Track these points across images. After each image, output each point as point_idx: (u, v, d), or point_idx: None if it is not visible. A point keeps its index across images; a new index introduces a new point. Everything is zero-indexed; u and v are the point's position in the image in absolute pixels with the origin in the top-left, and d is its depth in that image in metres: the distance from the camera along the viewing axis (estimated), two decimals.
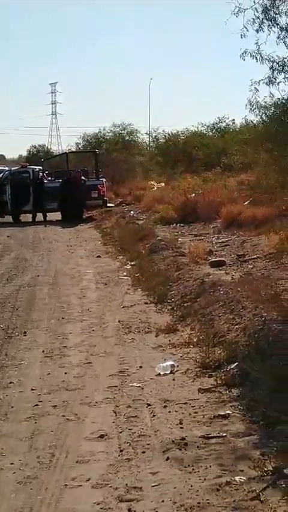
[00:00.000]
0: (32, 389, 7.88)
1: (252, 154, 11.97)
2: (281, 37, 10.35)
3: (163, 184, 35.28)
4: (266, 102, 10.64)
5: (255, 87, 10.42)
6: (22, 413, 7.15)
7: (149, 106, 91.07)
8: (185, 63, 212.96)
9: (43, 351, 9.49)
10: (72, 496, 5.27)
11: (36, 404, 7.38)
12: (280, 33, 10.33)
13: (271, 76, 10.32)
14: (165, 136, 45.59)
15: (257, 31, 10.36)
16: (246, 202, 20.22)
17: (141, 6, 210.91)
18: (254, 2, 10.25)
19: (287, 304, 9.63)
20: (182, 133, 45.19)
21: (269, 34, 10.38)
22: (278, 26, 10.31)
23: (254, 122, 11.00)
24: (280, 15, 10.25)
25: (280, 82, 10.37)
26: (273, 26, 10.29)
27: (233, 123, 43.86)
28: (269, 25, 10.27)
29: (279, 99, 10.51)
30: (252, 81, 10.42)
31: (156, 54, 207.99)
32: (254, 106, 10.55)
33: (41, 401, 7.47)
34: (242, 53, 10.48)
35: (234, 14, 10.42)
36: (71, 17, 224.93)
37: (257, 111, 10.60)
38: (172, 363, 8.39)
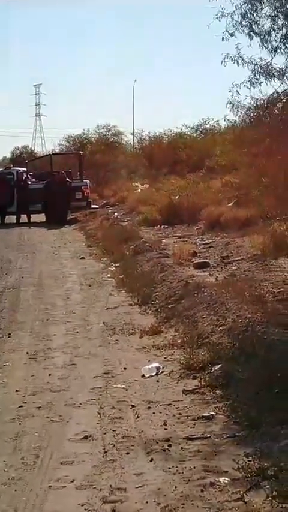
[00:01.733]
0: (17, 391, 7.86)
1: (236, 156, 11.99)
2: (261, 42, 10.44)
3: (147, 186, 35.29)
4: (249, 103, 10.68)
5: (236, 90, 10.47)
6: (6, 415, 7.13)
7: (133, 107, 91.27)
8: (169, 64, 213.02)
9: (27, 353, 9.47)
10: (57, 498, 5.27)
11: (21, 406, 7.36)
12: (257, 38, 10.42)
13: (253, 78, 10.37)
14: (149, 138, 45.64)
15: (231, 35, 10.44)
16: (230, 204, 20.27)
17: (125, 7, 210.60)
18: (236, 8, 10.31)
19: (270, 306, 9.67)
20: (166, 135, 45.25)
21: (250, 39, 10.45)
22: (254, 32, 10.39)
23: (235, 122, 10.98)
24: (257, 24, 10.32)
25: (262, 83, 10.43)
26: (252, 32, 10.37)
27: (218, 124, 43.87)
28: (249, 30, 10.35)
29: (258, 99, 10.55)
30: (233, 84, 10.46)
31: (140, 56, 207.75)
32: (236, 106, 10.59)
33: (26, 402, 7.46)
34: (224, 58, 10.53)
35: (217, 18, 10.47)
36: (56, 18, 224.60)
37: (238, 111, 10.64)
38: (158, 364, 8.41)
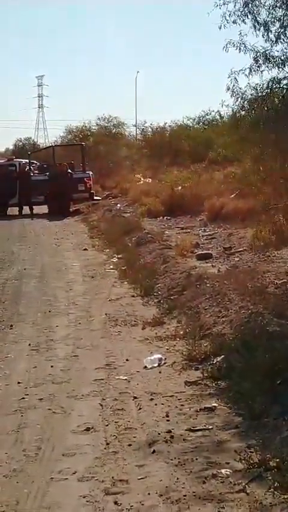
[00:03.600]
0: (19, 383, 7.87)
1: (236, 145, 11.94)
2: (259, 30, 10.41)
3: (150, 179, 35.22)
4: (248, 89, 10.63)
5: (235, 77, 10.42)
6: (8, 407, 7.14)
7: (135, 99, 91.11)
8: (171, 55, 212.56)
9: (29, 344, 9.48)
10: (59, 489, 5.27)
11: (23, 398, 7.37)
12: (258, 27, 10.38)
13: (254, 65, 10.34)
14: (151, 129, 45.58)
15: (234, 22, 10.40)
16: (232, 195, 20.23)
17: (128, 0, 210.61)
18: None
19: (273, 297, 9.64)
20: (169, 126, 45.21)
21: (253, 28, 10.42)
22: (256, 20, 10.36)
23: (234, 110, 10.91)
24: (258, 13, 10.29)
25: (264, 71, 10.41)
26: (253, 20, 10.35)
27: (219, 115, 43.75)
28: (251, 18, 10.33)
29: (258, 85, 10.50)
30: (232, 71, 10.42)
31: (143, 47, 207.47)
32: (235, 93, 10.54)
33: (28, 394, 7.47)
34: (226, 44, 10.48)
35: (218, 6, 10.43)
36: (58, 11, 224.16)
37: (237, 99, 10.60)
38: (160, 356, 8.40)
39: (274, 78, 10.41)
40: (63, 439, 6.21)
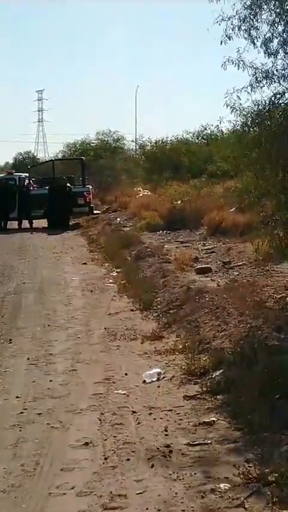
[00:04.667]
0: (17, 397, 7.85)
1: (236, 160, 11.94)
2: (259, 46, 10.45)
3: (149, 192, 35.28)
4: (249, 106, 10.64)
5: (237, 95, 10.44)
6: (7, 421, 7.13)
7: (135, 113, 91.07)
8: (171, 70, 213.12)
9: (28, 359, 9.46)
10: (57, 504, 5.26)
11: (21, 412, 7.35)
12: (257, 42, 10.43)
13: (254, 82, 10.37)
14: (151, 143, 45.74)
15: (229, 38, 10.42)
16: (232, 209, 20.26)
17: (127, 14, 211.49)
18: (236, 12, 10.29)
19: (272, 311, 9.64)
20: (169, 141, 45.36)
21: (251, 44, 10.45)
22: (256, 35, 10.41)
23: (234, 126, 10.92)
24: (257, 28, 10.32)
25: (263, 87, 10.42)
26: (251, 36, 10.38)
27: (218, 129, 43.91)
28: (248, 35, 10.36)
29: (259, 101, 10.52)
30: (234, 89, 10.44)
31: (143, 62, 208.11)
32: (236, 110, 10.56)
33: (26, 409, 7.45)
34: (225, 62, 10.50)
35: (217, 22, 10.47)
36: (58, 25, 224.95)
37: (238, 115, 10.61)
38: (159, 370, 8.40)
39: (275, 93, 10.43)
40: (61, 454, 6.19)
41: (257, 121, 10.55)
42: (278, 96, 10.43)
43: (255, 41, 10.42)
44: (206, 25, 10.81)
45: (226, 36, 10.43)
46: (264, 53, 10.50)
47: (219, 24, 10.43)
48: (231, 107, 10.43)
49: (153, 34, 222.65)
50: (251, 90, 10.37)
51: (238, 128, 10.89)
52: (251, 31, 10.31)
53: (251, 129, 10.66)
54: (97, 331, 10.86)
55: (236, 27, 10.34)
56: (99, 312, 12.25)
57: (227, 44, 10.51)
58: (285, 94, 10.48)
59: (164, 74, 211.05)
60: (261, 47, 10.44)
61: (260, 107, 10.49)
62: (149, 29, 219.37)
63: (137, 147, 51.51)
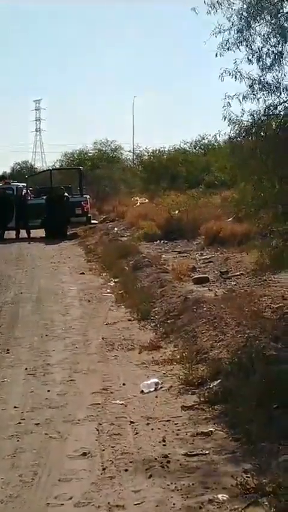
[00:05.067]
0: (15, 407, 7.85)
1: (233, 170, 11.98)
2: (253, 57, 10.50)
3: (146, 200, 35.34)
4: (243, 116, 10.69)
5: (228, 102, 10.48)
6: (5, 431, 7.12)
7: (133, 123, 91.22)
8: (169, 80, 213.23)
9: (26, 369, 9.46)
10: None
11: (19, 422, 7.35)
12: (252, 54, 10.47)
13: (250, 93, 10.41)
14: (148, 153, 45.83)
15: (228, 49, 10.48)
16: (229, 219, 20.29)
17: (126, 23, 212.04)
18: (232, 24, 10.35)
19: (269, 321, 9.66)
20: (166, 151, 45.46)
21: (247, 55, 10.51)
22: (250, 47, 10.46)
23: (231, 137, 10.95)
24: (253, 40, 10.38)
25: (260, 98, 10.47)
26: (246, 47, 10.44)
27: (215, 139, 44.04)
28: (245, 46, 10.42)
29: (255, 111, 10.57)
30: (226, 95, 10.48)
31: (141, 71, 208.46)
32: (232, 121, 10.59)
33: (24, 419, 7.45)
34: (222, 73, 10.54)
35: (214, 34, 10.52)
36: (54, 35, 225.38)
37: (234, 126, 10.64)
38: (156, 380, 8.40)
39: (271, 104, 10.48)
40: (59, 464, 6.19)
41: (252, 131, 10.59)
42: (272, 107, 10.49)
43: (250, 56, 10.50)
44: (204, 36, 10.87)
45: (223, 48, 10.48)
46: (257, 63, 10.55)
47: (216, 37, 10.50)
48: (228, 119, 10.48)
49: (151, 44, 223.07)
50: (245, 99, 10.42)
51: (234, 138, 10.92)
52: (246, 43, 10.38)
53: (247, 139, 10.70)
54: (95, 341, 10.86)
55: (233, 38, 10.40)
56: (97, 322, 12.26)
57: (224, 56, 10.58)
58: (279, 106, 10.54)
59: (162, 84, 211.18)
60: (256, 59, 10.50)
61: (255, 118, 10.54)
62: (147, 39, 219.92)
63: (134, 156, 51.65)
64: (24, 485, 5.79)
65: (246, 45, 10.40)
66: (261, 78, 10.41)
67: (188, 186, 35.34)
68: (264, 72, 10.45)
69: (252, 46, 10.40)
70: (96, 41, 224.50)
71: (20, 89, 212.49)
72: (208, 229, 20.51)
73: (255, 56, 10.45)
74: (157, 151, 45.16)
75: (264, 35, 10.33)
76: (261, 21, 10.25)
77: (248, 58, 10.47)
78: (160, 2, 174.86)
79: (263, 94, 10.41)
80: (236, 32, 10.35)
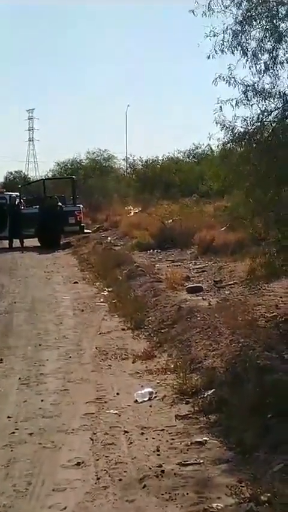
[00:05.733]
0: (9, 417, 7.82)
1: (227, 177, 11.97)
2: (249, 62, 10.51)
3: (139, 209, 35.39)
4: (236, 121, 10.69)
5: (220, 106, 10.48)
6: None
7: (126, 132, 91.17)
8: (162, 88, 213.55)
9: (20, 378, 9.43)
10: None
11: (13, 432, 7.32)
12: (247, 58, 10.48)
13: (244, 98, 10.42)
14: (142, 162, 45.90)
15: (222, 51, 10.48)
16: (223, 229, 20.30)
17: (118, 32, 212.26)
18: (227, 28, 10.36)
19: (263, 330, 9.65)
20: (160, 160, 45.54)
21: (240, 59, 10.52)
22: (246, 51, 10.46)
23: (224, 143, 10.96)
24: (248, 44, 10.39)
25: (253, 104, 10.48)
26: (242, 51, 10.44)
27: (210, 149, 44.10)
28: (240, 50, 10.42)
29: (248, 117, 10.58)
30: (218, 100, 10.48)
31: (133, 80, 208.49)
32: (226, 127, 10.59)
33: (18, 428, 7.42)
34: (216, 78, 10.53)
35: (209, 37, 10.51)
36: (47, 43, 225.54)
37: (227, 131, 10.65)
38: (150, 389, 8.39)
39: (264, 110, 10.48)
40: (53, 474, 6.17)
41: (245, 138, 10.60)
42: (266, 113, 10.50)
43: (244, 61, 10.50)
44: (197, 41, 10.88)
45: (218, 50, 10.48)
46: (250, 68, 10.56)
47: (210, 40, 10.50)
48: (220, 124, 10.48)
49: (144, 52, 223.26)
50: (238, 105, 10.43)
51: (226, 144, 10.92)
52: (242, 46, 10.38)
53: (240, 145, 10.71)
54: (88, 350, 10.84)
55: (227, 42, 10.40)
56: (91, 331, 12.24)
57: (217, 59, 10.56)
58: (273, 112, 10.54)
59: (155, 92, 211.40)
60: (251, 64, 10.51)
61: (248, 123, 10.55)
62: (140, 46, 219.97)
63: (128, 165, 51.71)
64: (18, 495, 5.77)
65: (241, 50, 10.40)
66: (255, 84, 10.42)
67: (182, 195, 35.37)
68: (258, 77, 10.46)
69: (247, 51, 10.40)
70: (89, 49, 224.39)
71: (13, 98, 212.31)
72: (201, 239, 20.54)
73: (249, 61, 10.45)
74: (151, 161, 45.23)
75: (259, 39, 10.33)
76: (257, 25, 10.26)
77: (243, 62, 10.47)
78: (153, 9, 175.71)
79: (257, 100, 10.41)
80: (230, 35, 10.35)
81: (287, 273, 12.02)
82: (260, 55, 10.44)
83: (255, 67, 10.49)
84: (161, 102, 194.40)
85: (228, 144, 10.83)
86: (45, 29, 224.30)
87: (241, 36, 10.37)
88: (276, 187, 10.33)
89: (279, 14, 10.14)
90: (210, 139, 11.41)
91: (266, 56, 10.43)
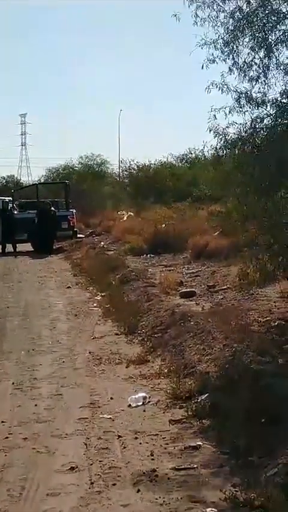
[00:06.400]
0: (2, 422, 7.81)
1: (221, 184, 12.02)
2: (241, 70, 10.55)
3: (132, 214, 35.40)
4: (231, 130, 10.73)
5: (214, 115, 10.52)
6: None
7: (118, 137, 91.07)
8: (154, 94, 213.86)
9: (13, 383, 9.43)
10: None
11: (7, 437, 7.31)
12: (238, 67, 10.53)
13: (237, 106, 10.46)
14: (135, 167, 45.88)
15: (213, 61, 10.53)
16: (215, 233, 20.33)
17: (111, 37, 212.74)
18: (218, 36, 10.41)
19: (256, 335, 9.67)
20: (153, 164, 45.53)
21: (233, 68, 10.55)
22: (235, 61, 10.52)
23: (217, 149, 10.99)
24: (238, 54, 10.44)
25: (246, 111, 10.52)
26: (233, 60, 10.50)
27: (202, 153, 44.15)
28: (231, 58, 10.47)
29: (241, 124, 10.62)
30: (212, 108, 10.52)
31: (126, 85, 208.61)
32: (218, 133, 10.62)
33: (12, 433, 7.42)
34: (208, 85, 10.57)
35: (200, 46, 10.56)
36: (40, 48, 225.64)
37: (220, 139, 10.68)
38: (144, 394, 8.39)
39: (257, 117, 10.52)
40: (47, 479, 6.17)
41: (238, 144, 10.63)
42: (258, 120, 10.54)
43: (235, 70, 10.54)
44: (189, 47, 10.93)
45: (209, 60, 10.53)
46: (244, 77, 10.59)
47: (202, 48, 10.54)
48: (214, 131, 10.51)
49: (137, 58, 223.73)
50: (231, 112, 10.47)
51: (219, 150, 10.95)
52: (233, 55, 10.43)
53: (233, 151, 10.74)
54: (82, 355, 10.84)
55: (219, 51, 10.45)
56: (84, 336, 12.24)
57: (210, 67, 10.62)
58: (265, 119, 10.58)
59: (148, 97, 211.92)
60: (242, 72, 10.54)
61: (241, 130, 10.58)
62: (133, 52, 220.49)
63: (121, 170, 51.74)
64: (13, 499, 5.77)
65: (233, 59, 10.45)
66: (248, 92, 10.45)
67: (175, 200, 35.39)
68: (250, 85, 10.50)
69: (239, 59, 10.45)
70: (82, 54, 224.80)
71: (5, 103, 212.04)
72: (195, 243, 20.55)
73: (242, 70, 10.49)
74: (144, 166, 45.21)
75: (251, 48, 10.37)
76: (247, 33, 10.30)
77: (234, 69, 10.51)
78: (146, 15, 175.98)
79: (249, 107, 10.46)
80: (222, 45, 10.40)
81: (280, 278, 12.05)
82: (251, 64, 10.51)
83: (248, 76, 10.55)
84: (154, 107, 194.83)
85: (221, 150, 10.86)
86: (38, 33, 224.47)
87: (233, 44, 10.42)
88: (269, 192, 10.36)
89: (268, 23, 10.20)
90: (204, 147, 11.47)
91: (257, 65, 10.49)
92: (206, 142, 11.12)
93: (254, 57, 10.44)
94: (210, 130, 10.56)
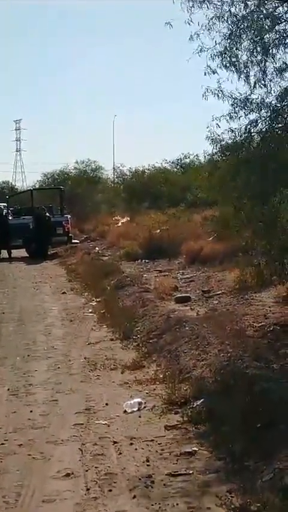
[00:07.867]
0: None
1: (214, 188, 12.04)
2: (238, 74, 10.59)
3: (127, 219, 35.41)
4: (226, 135, 10.76)
5: (216, 124, 10.56)
6: None
7: (113, 143, 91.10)
8: (149, 99, 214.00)
9: (8, 389, 9.41)
10: None
11: (2, 443, 7.29)
12: (237, 71, 10.56)
13: (232, 112, 10.50)
14: (130, 172, 45.94)
15: (214, 72, 10.58)
16: (210, 238, 20.34)
17: (106, 42, 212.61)
18: (216, 42, 10.45)
19: (252, 340, 9.68)
20: (147, 169, 45.58)
21: (232, 73, 10.59)
22: (234, 66, 10.54)
23: (213, 155, 11.04)
24: (238, 59, 10.47)
25: (241, 117, 10.56)
26: (231, 66, 10.52)
27: (197, 158, 44.22)
28: (229, 64, 10.50)
29: (237, 129, 10.65)
30: (213, 117, 10.56)
31: (121, 91, 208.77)
32: (217, 141, 10.66)
33: (7, 440, 7.39)
34: (205, 92, 10.61)
35: (197, 53, 10.60)
36: (33, 54, 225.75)
37: (217, 146, 10.72)
38: (139, 400, 8.38)
39: (251, 121, 10.55)
40: (43, 485, 6.15)
41: (234, 149, 10.66)
42: (254, 124, 10.57)
43: (235, 70, 10.57)
44: (186, 53, 10.98)
45: (209, 67, 10.57)
46: (242, 81, 10.64)
47: (199, 56, 10.58)
48: (211, 139, 10.55)
49: (133, 63, 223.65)
50: (230, 118, 10.51)
51: (215, 156, 10.98)
52: (232, 59, 10.46)
53: (228, 156, 10.77)
54: (77, 361, 10.82)
55: (217, 57, 10.48)
56: (79, 342, 12.23)
57: (211, 76, 10.66)
58: (260, 123, 10.61)
59: (143, 103, 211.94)
60: (242, 76, 10.59)
61: (236, 135, 10.62)
62: (128, 57, 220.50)
63: (115, 175, 51.77)
64: (8, 506, 5.75)
65: (230, 63, 10.47)
66: (243, 96, 10.49)
67: (169, 205, 35.41)
68: (248, 90, 10.55)
69: (237, 64, 10.48)
70: (76, 59, 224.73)
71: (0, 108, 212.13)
72: (189, 248, 20.56)
73: (241, 75, 10.54)
74: (138, 171, 45.26)
75: (249, 51, 10.41)
76: (245, 38, 10.34)
77: (236, 71, 10.55)
78: (141, 18, 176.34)
79: (245, 112, 10.49)
80: (220, 50, 10.44)
81: (275, 283, 12.07)
82: (249, 68, 10.55)
83: (247, 81, 10.60)
84: (149, 112, 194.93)
85: (216, 156, 10.89)
86: (30, 37, 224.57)
87: (231, 49, 10.45)
88: (265, 198, 10.38)
89: (265, 27, 10.24)
90: (205, 157, 11.53)
91: (255, 69, 10.54)
92: (205, 151, 11.20)
93: (252, 61, 10.49)
94: (208, 138, 10.62)
